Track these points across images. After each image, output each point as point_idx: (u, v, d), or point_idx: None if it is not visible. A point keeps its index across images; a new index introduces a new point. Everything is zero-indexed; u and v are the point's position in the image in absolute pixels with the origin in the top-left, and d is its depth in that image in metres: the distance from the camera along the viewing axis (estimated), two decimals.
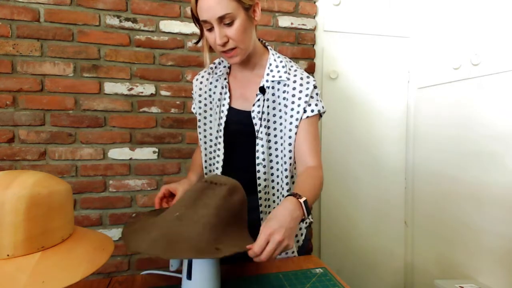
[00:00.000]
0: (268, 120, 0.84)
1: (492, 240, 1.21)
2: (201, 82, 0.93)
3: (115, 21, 1.32)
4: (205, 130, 0.94)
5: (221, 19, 0.71)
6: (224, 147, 0.89)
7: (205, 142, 0.94)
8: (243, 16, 0.73)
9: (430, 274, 1.53)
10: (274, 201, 0.90)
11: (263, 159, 0.85)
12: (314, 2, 1.53)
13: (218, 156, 0.90)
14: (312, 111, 0.82)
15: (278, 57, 0.86)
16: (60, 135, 1.28)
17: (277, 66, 0.84)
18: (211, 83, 0.91)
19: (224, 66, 0.90)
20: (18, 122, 1.24)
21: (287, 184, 0.87)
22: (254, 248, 0.56)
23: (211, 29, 0.74)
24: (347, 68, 1.60)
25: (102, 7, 1.30)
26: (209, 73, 0.92)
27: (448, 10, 1.44)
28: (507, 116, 1.16)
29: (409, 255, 1.69)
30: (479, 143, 1.27)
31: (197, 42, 0.85)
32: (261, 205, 0.87)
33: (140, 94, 1.36)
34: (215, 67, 0.91)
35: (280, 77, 0.82)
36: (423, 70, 1.60)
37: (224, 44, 0.74)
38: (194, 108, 0.96)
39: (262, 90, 0.82)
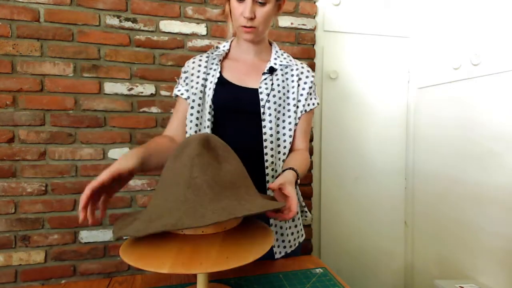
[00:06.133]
0: (280, 98, 0.86)
1: (492, 240, 1.21)
2: (199, 65, 0.89)
3: (115, 21, 1.32)
4: (198, 112, 0.86)
5: None
6: (223, 127, 0.86)
7: (199, 124, 0.86)
8: (273, 4, 0.81)
9: (430, 274, 1.53)
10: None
11: (271, 136, 0.84)
12: (314, 2, 1.53)
13: (208, 127, 0.85)
14: (313, 104, 0.92)
15: (281, 49, 0.95)
16: (60, 135, 1.28)
17: (282, 54, 0.93)
18: (206, 65, 0.89)
19: (223, 50, 0.91)
20: (18, 122, 1.24)
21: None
22: (294, 208, 0.64)
23: (241, 0, 0.79)
24: (347, 68, 1.60)
25: (102, 7, 1.30)
26: (207, 56, 0.91)
27: (448, 10, 1.44)
28: (507, 116, 1.16)
29: (409, 255, 1.69)
30: (479, 143, 1.27)
31: (223, 11, 0.90)
32: (268, 181, 0.84)
33: (140, 94, 1.36)
34: (212, 53, 0.91)
35: (287, 62, 0.90)
36: (423, 70, 1.60)
37: (250, 19, 0.80)
38: (180, 90, 0.89)
39: (272, 69, 0.88)
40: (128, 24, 1.33)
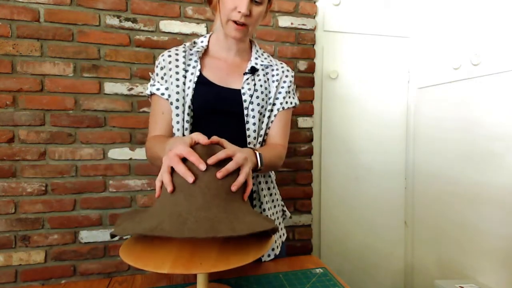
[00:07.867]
0: (263, 99, 0.84)
1: (492, 240, 1.21)
2: (176, 60, 0.82)
3: (115, 21, 1.32)
4: (177, 108, 0.80)
5: None
6: (203, 129, 0.77)
7: (176, 123, 0.80)
8: (265, 6, 0.81)
9: (430, 274, 1.53)
10: (266, 182, 0.88)
11: (254, 139, 0.83)
12: (314, 2, 1.53)
13: (186, 129, 0.80)
14: (291, 103, 0.89)
15: (261, 49, 0.94)
16: (60, 135, 1.28)
17: (262, 54, 0.91)
18: (184, 61, 0.83)
19: (202, 46, 0.85)
20: (18, 122, 1.24)
21: None
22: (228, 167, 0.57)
23: None
24: (347, 68, 1.60)
25: (102, 7, 1.30)
26: (184, 51, 0.84)
27: (448, 10, 1.44)
28: (507, 116, 1.16)
29: (409, 255, 1.69)
30: (479, 143, 1.27)
31: (209, 3, 0.84)
32: (253, 184, 0.84)
33: (140, 94, 1.36)
34: (190, 49, 0.84)
35: (268, 62, 0.89)
36: (423, 70, 1.60)
37: (245, 16, 0.77)
38: (159, 90, 0.81)
39: (254, 69, 0.86)
40: (128, 24, 1.33)
